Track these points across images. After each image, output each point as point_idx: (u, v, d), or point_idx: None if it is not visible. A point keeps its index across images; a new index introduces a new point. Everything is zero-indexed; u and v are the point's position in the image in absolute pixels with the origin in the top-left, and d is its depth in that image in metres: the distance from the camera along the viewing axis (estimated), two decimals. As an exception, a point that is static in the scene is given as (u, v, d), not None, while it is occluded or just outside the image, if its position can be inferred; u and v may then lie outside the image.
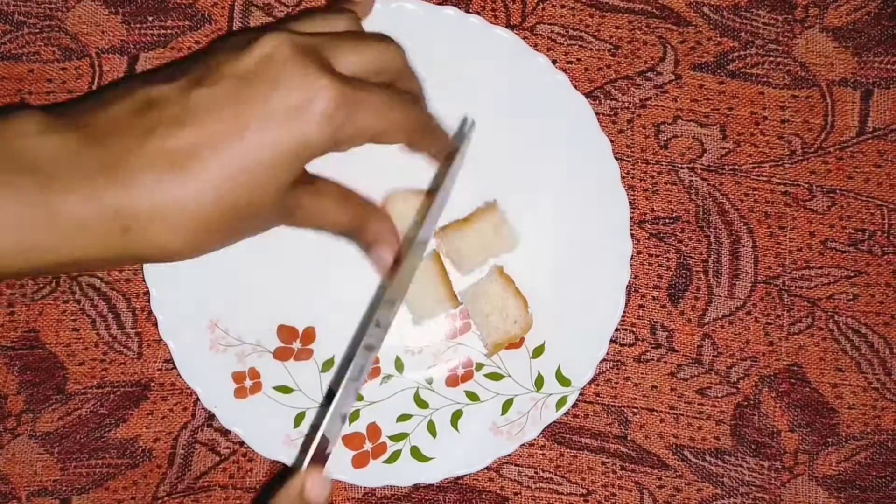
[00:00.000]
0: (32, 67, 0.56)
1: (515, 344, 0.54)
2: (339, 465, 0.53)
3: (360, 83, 0.41)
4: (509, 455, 0.54)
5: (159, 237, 0.38)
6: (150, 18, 0.56)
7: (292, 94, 0.38)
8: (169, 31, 0.56)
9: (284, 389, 0.54)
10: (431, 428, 0.54)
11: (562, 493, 0.55)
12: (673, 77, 0.57)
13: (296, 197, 0.42)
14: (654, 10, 0.57)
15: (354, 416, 0.54)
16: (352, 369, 0.45)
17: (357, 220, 0.46)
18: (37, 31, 0.56)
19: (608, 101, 0.56)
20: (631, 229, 0.54)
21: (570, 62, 0.57)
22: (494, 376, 0.55)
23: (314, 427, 0.54)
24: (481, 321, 0.54)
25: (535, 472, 0.55)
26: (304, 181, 0.42)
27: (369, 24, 0.54)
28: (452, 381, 0.55)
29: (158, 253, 0.39)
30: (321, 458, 0.44)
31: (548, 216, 0.55)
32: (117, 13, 0.56)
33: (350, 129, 0.40)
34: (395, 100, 0.42)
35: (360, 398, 0.55)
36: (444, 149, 0.50)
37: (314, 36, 0.41)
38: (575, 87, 0.54)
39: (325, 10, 0.46)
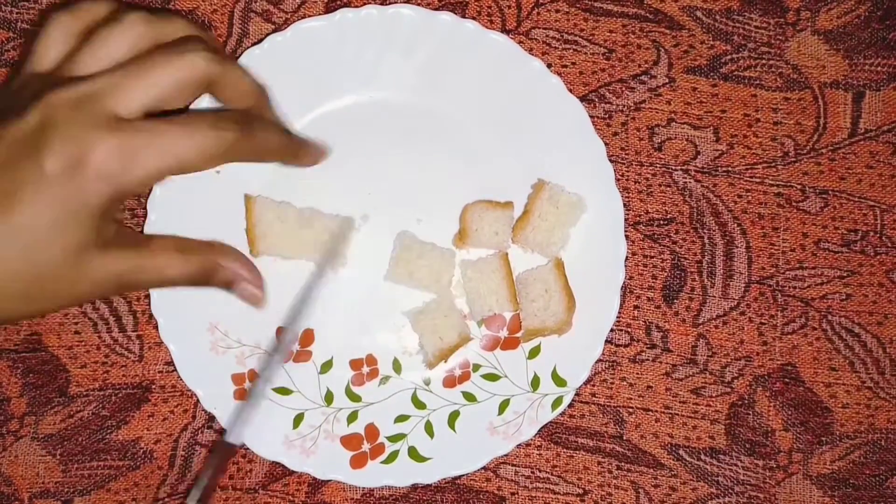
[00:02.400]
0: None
1: (512, 343, 0.55)
2: (337, 465, 0.54)
3: (142, 124, 0.39)
4: (506, 455, 0.54)
5: None
6: (151, 25, 0.57)
7: (64, 155, 0.37)
8: (169, 37, 0.57)
9: (283, 391, 0.55)
10: (429, 428, 0.55)
11: (558, 493, 0.56)
12: (667, 80, 0.57)
13: (113, 264, 0.41)
14: (648, 15, 0.58)
15: (352, 416, 0.55)
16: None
17: (204, 267, 0.45)
18: (38, 38, 0.57)
19: (603, 105, 0.57)
20: (626, 231, 0.55)
21: (565, 66, 0.57)
22: (491, 377, 0.55)
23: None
24: (526, 304, 0.54)
25: (532, 472, 0.56)
26: (126, 245, 0.42)
27: (365, 31, 0.54)
28: (450, 382, 0.55)
29: None
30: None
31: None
32: (118, 20, 0.57)
33: (134, 174, 0.38)
34: (187, 130, 0.40)
35: (359, 399, 0.55)
36: (288, 153, 0.47)
37: (94, 80, 0.40)
38: (570, 90, 0.54)
39: (105, 27, 0.42)
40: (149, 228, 0.53)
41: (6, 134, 0.39)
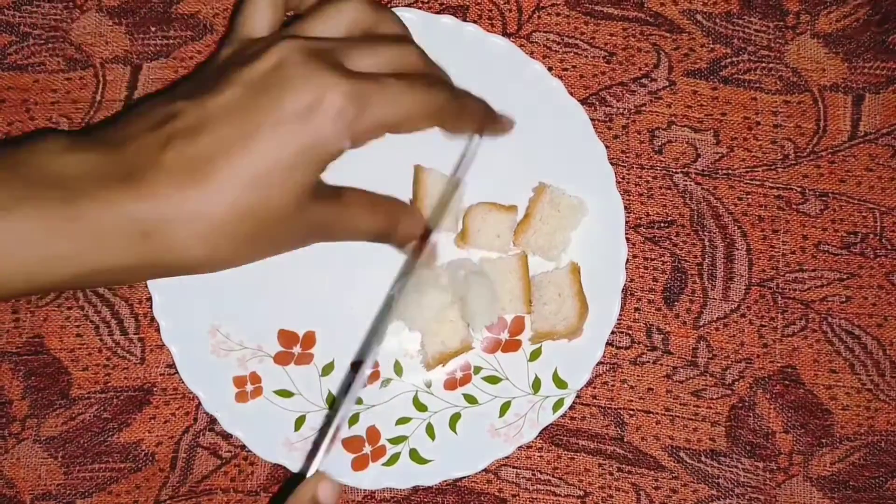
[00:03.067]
0: (38, 78, 0.57)
1: (513, 346, 0.55)
2: (339, 467, 0.54)
3: (372, 76, 0.41)
4: (507, 457, 0.54)
5: (178, 243, 0.38)
6: (153, 29, 0.57)
7: (302, 96, 0.39)
8: (172, 41, 0.57)
9: (285, 393, 0.55)
10: (430, 431, 0.55)
11: (559, 495, 0.56)
12: (667, 83, 0.58)
13: (321, 211, 0.42)
14: (648, 18, 0.58)
15: (354, 419, 0.55)
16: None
17: (388, 224, 0.47)
18: (42, 41, 0.57)
19: (603, 108, 0.57)
20: (626, 233, 0.55)
21: (566, 69, 0.58)
22: (492, 379, 0.55)
23: (321, 432, 0.54)
24: (538, 307, 0.54)
25: (533, 474, 0.56)
26: (328, 195, 0.43)
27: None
28: (451, 384, 0.55)
29: (178, 260, 0.39)
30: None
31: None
32: (121, 24, 0.57)
33: (365, 121, 0.40)
34: (409, 85, 0.42)
35: (360, 402, 0.55)
36: (485, 120, 0.50)
37: (326, 41, 0.42)
38: (570, 93, 0.55)
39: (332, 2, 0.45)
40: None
41: (243, 76, 0.39)
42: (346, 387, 0.55)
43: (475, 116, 0.48)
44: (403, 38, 0.45)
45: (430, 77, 0.45)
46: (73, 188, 0.37)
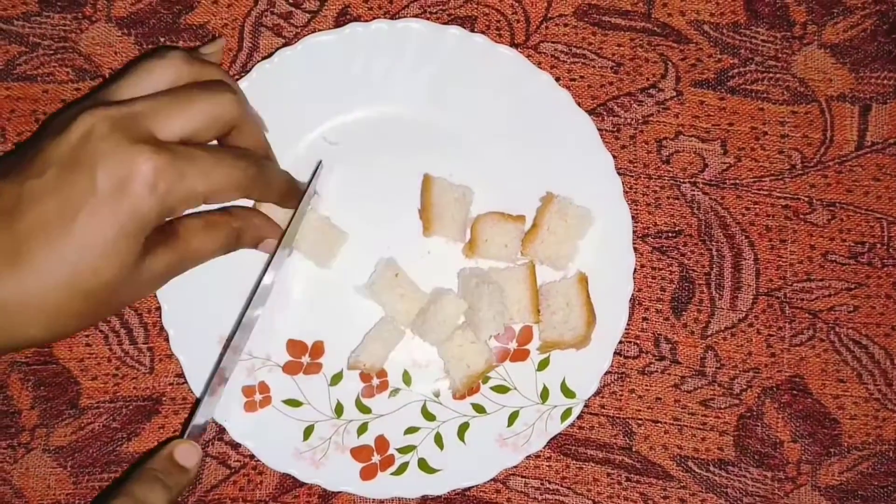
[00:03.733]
0: (47, 88, 0.57)
1: (521, 355, 0.55)
2: (348, 477, 0.54)
3: (182, 149, 0.41)
4: (515, 466, 0.55)
5: (14, 328, 0.39)
6: (162, 39, 0.58)
7: (114, 172, 0.39)
8: (180, 51, 0.57)
9: (294, 403, 0.55)
10: (439, 440, 0.55)
11: (568, 504, 0.56)
12: (674, 93, 0.58)
13: (158, 261, 0.43)
14: (656, 29, 0.58)
15: (363, 428, 0.55)
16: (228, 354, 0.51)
17: (231, 236, 0.49)
18: (51, 52, 0.57)
19: (611, 118, 0.58)
20: (634, 243, 0.55)
21: (574, 80, 0.58)
22: (501, 389, 0.55)
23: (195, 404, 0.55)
24: (546, 316, 0.54)
25: (542, 484, 0.56)
26: (162, 241, 0.44)
27: (374, 46, 0.55)
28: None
29: (14, 341, 0.40)
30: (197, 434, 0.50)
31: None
32: (130, 34, 0.58)
33: (178, 194, 0.41)
34: (218, 160, 0.43)
35: (369, 411, 0.55)
36: (290, 193, 0.52)
37: (134, 102, 0.42)
38: (578, 104, 0.55)
39: (150, 60, 0.45)
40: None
41: (52, 154, 0.40)
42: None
43: (279, 189, 0.50)
44: (220, 84, 0.45)
45: (237, 151, 0.46)
46: None
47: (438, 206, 0.54)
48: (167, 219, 0.42)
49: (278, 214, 0.53)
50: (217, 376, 0.51)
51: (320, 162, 0.56)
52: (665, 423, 0.56)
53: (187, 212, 0.45)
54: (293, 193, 0.52)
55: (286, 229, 0.53)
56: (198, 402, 0.54)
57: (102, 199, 0.39)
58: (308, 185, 0.54)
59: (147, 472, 0.47)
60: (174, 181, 0.40)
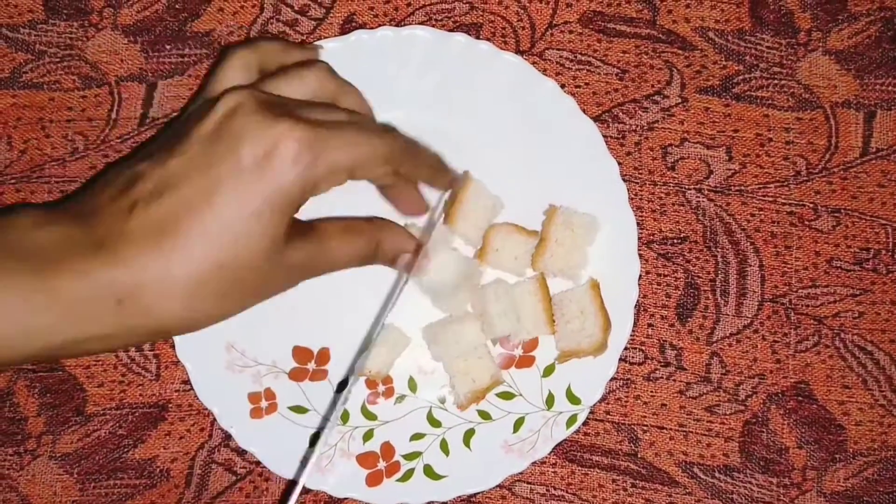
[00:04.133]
0: (53, 96, 0.57)
1: (527, 362, 0.55)
2: (353, 483, 0.54)
3: (325, 122, 0.41)
4: (521, 473, 0.55)
5: (154, 307, 0.39)
6: (168, 47, 0.58)
7: (258, 143, 0.39)
8: (186, 59, 0.58)
9: (299, 410, 0.55)
10: (444, 446, 0.55)
11: (573, 511, 0.56)
12: (679, 100, 0.58)
13: (297, 254, 0.42)
14: (661, 36, 0.58)
15: (368, 435, 0.55)
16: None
17: (369, 247, 0.47)
18: (57, 60, 0.57)
19: (616, 125, 0.58)
20: (639, 250, 0.55)
21: (579, 86, 0.58)
22: (506, 395, 0.55)
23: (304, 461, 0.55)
24: (562, 326, 0.54)
25: (547, 490, 0.56)
26: (302, 234, 0.43)
27: (380, 53, 0.55)
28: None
29: (157, 323, 0.39)
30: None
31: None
32: (136, 42, 0.58)
33: (322, 167, 0.40)
34: (363, 130, 0.43)
35: (374, 417, 0.55)
36: (440, 171, 0.51)
37: (282, 97, 0.43)
38: (583, 110, 0.55)
39: (305, 67, 0.46)
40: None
41: (198, 132, 0.40)
42: (332, 406, 0.55)
43: (429, 165, 0.49)
44: (393, 129, 0.46)
45: (383, 124, 0.46)
46: (46, 260, 0.37)
47: (467, 207, 0.54)
48: (311, 197, 0.42)
49: None
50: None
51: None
52: (670, 429, 0.56)
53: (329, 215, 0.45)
54: (443, 171, 0.51)
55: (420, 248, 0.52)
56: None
57: (246, 173, 0.38)
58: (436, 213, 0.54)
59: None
60: (318, 153, 0.40)
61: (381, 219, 0.50)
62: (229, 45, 0.52)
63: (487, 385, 0.54)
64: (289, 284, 0.44)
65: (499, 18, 0.58)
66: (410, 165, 0.47)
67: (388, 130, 0.45)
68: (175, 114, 0.57)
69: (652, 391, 0.56)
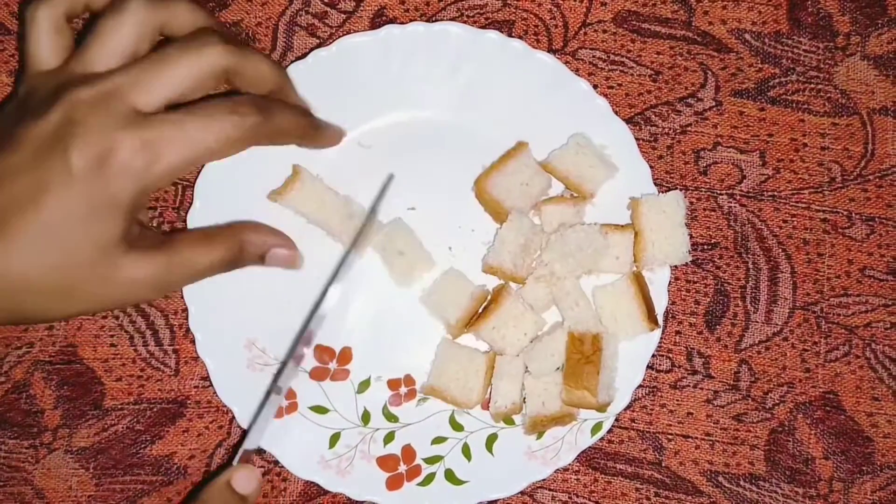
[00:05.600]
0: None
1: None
2: (373, 486, 0.53)
3: (162, 118, 0.40)
4: (543, 480, 0.54)
5: None
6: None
7: (88, 152, 0.39)
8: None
9: (320, 409, 0.54)
10: (466, 451, 0.54)
11: (596, 518, 0.55)
12: (713, 103, 0.57)
13: (143, 264, 0.42)
14: (696, 37, 0.57)
15: (389, 437, 0.54)
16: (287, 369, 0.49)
17: (231, 248, 0.46)
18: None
19: (648, 127, 0.57)
20: (669, 256, 0.54)
21: (611, 87, 0.57)
22: (530, 400, 0.54)
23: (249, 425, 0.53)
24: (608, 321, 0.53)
25: (570, 498, 0.55)
26: (151, 245, 0.43)
27: (410, 49, 0.54)
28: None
29: None
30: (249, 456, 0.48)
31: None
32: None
33: (159, 169, 0.40)
34: (208, 120, 0.41)
35: (395, 419, 0.54)
36: (308, 133, 0.48)
37: (111, 76, 0.41)
38: (615, 112, 0.54)
39: (111, 16, 0.43)
40: (193, 217, 0.53)
41: (29, 134, 0.39)
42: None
43: (293, 131, 0.47)
44: (200, 35, 0.43)
45: (232, 103, 0.43)
46: None
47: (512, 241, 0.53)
48: (154, 190, 0.41)
49: (346, 231, 0.53)
50: (269, 401, 0.49)
51: (391, 175, 0.55)
52: (696, 438, 0.55)
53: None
54: (310, 132, 0.49)
55: (353, 240, 0.52)
56: (249, 427, 0.53)
57: (76, 178, 0.38)
58: (377, 199, 0.53)
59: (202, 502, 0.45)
60: (152, 156, 0.39)
61: (242, 223, 0.49)
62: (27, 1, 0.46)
63: (554, 413, 0.52)
64: (140, 297, 0.44)
65: (531, 16, 0.57)
66: (272, 138, 0.45)
67: (236, 108, 0.42)
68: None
69: (678, 399, 0.55)
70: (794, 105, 0.57)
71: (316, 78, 0.54)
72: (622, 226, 0.54)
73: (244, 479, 0.46)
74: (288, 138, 0.47)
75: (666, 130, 0.57)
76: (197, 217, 0.53)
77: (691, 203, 0.56)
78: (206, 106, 0.42)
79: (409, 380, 0.55)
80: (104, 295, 0.42)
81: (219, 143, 0.41)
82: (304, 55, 0.54)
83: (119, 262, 0.41)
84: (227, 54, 0.42)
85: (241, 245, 0.47)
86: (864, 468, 0.55)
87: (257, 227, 0.49)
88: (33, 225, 0.38)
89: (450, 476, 0.54)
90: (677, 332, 0.56)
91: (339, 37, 0.54)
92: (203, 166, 0.53)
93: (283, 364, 0.54)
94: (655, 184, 0.54)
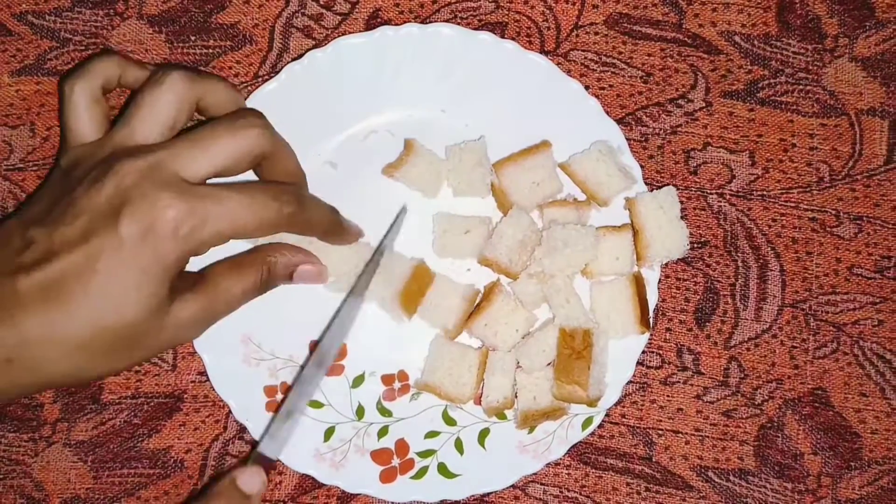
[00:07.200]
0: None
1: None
2: (367, 479, 0.54)
3: (207, 190, 0.42)
4: (535, 474, 0.55)
5: (41, 365, 0.42)
6: (193, 38, 0.58)
7: (139, 219, 0.41)
8: (211, 50, 0.58)
9: (315, 404, 0.55)
10: (459, 445, 0.55)
11: (587, 512, 0.56)
12: (703, 104, 0.58)
13: (187, 308, 0.44)
14: (686, 39, 0.58)
15: (383, 431, 0.55)
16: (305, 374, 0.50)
17: (261, 274, 0.49)
18: (82, 48, 0.58)
19: (639, 127, 0.57)
20: (659, 253, 0.55)
21: (603, 88, 0.58)
22: (522, 395, 0.55)
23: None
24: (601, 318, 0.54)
25: (561, 492, 0.56)
26: (191, 287, 0.45)
27: (405, 50, 0.55)
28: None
29: (43, 379, 0.42)
30: (265, 459, 0.49)
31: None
32: (161, 32, 0.58)
33: (203, 235, 0.42)
34: (249, 201, 0.43)
35: (389, 414, 0.55)
36: (333, 229, 0.51)
37: (158, 149, 0.43)
38: (607, 112, 0.55)
39: (150, 91, 0.45)
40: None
41: (83, 205, 0.42)
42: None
43: (321, 226, 0.50)
44: (244, 115, 0.46)
45: (274, 189, 0.45)
46: None
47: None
48: (195, 257, 0.44)
49: (351, 260, 0.54)
50: (284, 411, 0.50)
51: (404, 207, 0.56)
52: (686, 433, 0.56)
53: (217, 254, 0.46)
54: (336, 229, 0.52)
55: (359, 278, 0.53)
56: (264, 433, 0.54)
57: (127, 245, 0.41)
58: (389, 231, 0.55)
59: (210, 499, 0.47)
60: (197, 225, 0.42)
61: (264, 245, 0.51)
62: (63, 77, 0.51)
63: (545, 408, 0.53)
64: (188, 336, 0.47)
65: (524, 18, 0.58)
66: (301, 228, 0.48)
67: (278, 195, 0.45)
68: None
69: (668, 395, 0.56)
70: (783, 106, 0.58)
71: (312, 79, 0.55)
72: (618, 227, 0.54)
73: (250, 478, 0.47)
74: (315, 232, 0.50)
75: (657, 131, 0.58)
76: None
77: (682, 202, 0.57)
78: (250, 186, 0.45)
79: (402, 375, 0.56)
80: (157, 342, 0.44)
81: (255, 223, 0.44)
82: (301, 56, 0.55)
83: (167, 314, 0.43)
84: (266, 137, 0.45)
85: (270, 267, 0.49)
86: (851, 463, 0.56)
87: (281, 246, 0.51)
88: (92, 292, 0.41)
89: (442, 470, 0.54)
90: (668, 329, 0.57)
91: (335, 38, 0.55)
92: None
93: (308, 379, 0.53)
94: (646, 183, 0.55)
